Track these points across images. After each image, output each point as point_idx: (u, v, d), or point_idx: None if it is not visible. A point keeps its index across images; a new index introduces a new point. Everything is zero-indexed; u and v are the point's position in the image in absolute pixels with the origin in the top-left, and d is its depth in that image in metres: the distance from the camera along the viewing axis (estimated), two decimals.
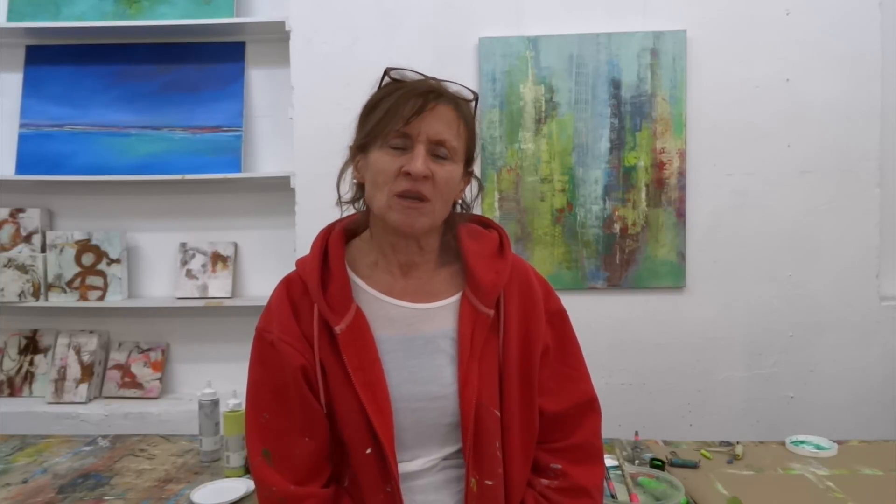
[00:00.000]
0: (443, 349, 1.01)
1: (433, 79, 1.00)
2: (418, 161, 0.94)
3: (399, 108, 0.95)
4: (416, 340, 1.01)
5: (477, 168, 1.10)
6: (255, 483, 1.01)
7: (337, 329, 0.97)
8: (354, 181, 1.06)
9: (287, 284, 1.04)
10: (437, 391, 0.99)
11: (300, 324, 1.00)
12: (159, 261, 2.43)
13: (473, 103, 1.04)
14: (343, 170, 1.06)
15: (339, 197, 1.06)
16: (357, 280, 1.04)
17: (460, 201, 1.09)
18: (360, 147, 1.01)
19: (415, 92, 0.96)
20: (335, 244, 1.04)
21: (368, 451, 0.97)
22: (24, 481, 1.57)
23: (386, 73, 1.01)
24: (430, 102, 0.95)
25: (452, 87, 1.01)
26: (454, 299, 1.04)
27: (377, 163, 0.97)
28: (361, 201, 1.07)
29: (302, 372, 0.99)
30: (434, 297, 1.04)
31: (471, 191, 1.11)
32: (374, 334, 0.99)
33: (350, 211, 1.09)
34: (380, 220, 1.01)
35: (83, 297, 2.33)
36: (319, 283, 1.00)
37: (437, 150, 0.97)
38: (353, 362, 0.97)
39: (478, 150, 1.07)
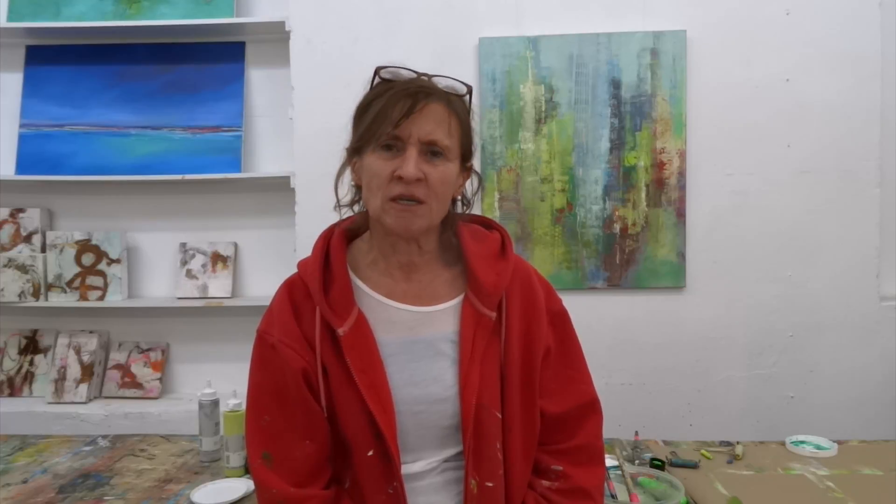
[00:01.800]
0: (444, 352, 1.01)
1: (424, 75, 0.99)
2: (410, 165, 0.93)
3: (388, 111, 0.94)
4: (418, 343, 1.01)
5: (476, 167, 1.10)
6: (256, 485, 1.01)
7: (340, 331, 0.97)
8: (353, 183, 1.05)
9: (289, 287, 1.04)
10: (439, 394, 0.99)
11: (301, 326, 1.00)
12: (159, 261, 2.43)
13: (468, 97, 1.02)
14: (340, 173, 1.05)
15: (338, 201, 1.06)
16: (358, 282, 1.04)
17: (460, 197, 1.09)
18: (355, 149, 1.01)
19: (404, 92, 0.94)
20: (336, 246, 1.03)
21: (370, 452, 0.97)
22: (24, 481, 1.57)
23: (376, 72, 1.00)
24: (419, 103, 0.94)
25: (444, 83, 0.99)
26: (456, 302, 1.04)
27: (371, 166, 0.96)
28: (360, 203, 1.06)
29: (303, 375, 0.98)
30: (435, 300, 1.04)
31: (471, 185, 1.10)
32: (376, 337, 0.99)
33: (349, 213, 1.09)
34: (377, 222, 1.01)
35: (83, 297, 2.33)
36: (321, 285, 0.99)
37: (429, 150, 0.96)
38: (357, 364, 0.96)
39: (476, 143, 1.06)
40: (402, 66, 1.00)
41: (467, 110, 1.02)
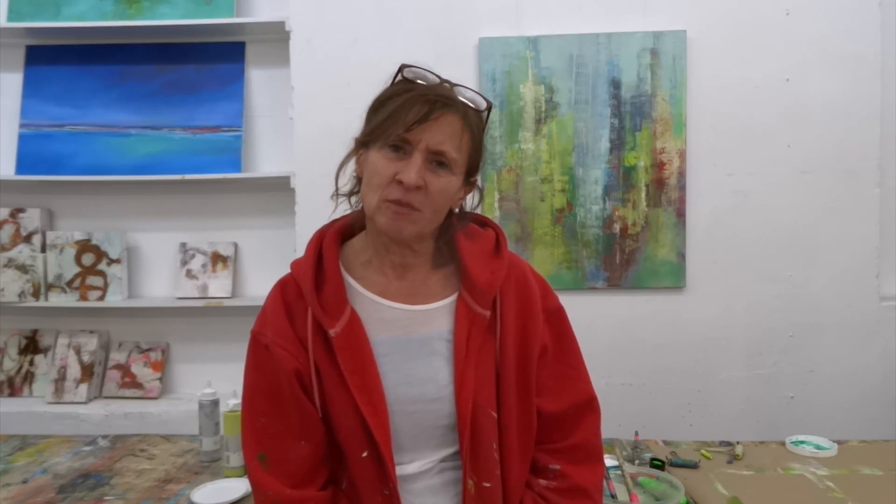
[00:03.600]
0: (438, 351, 1.00)
1: (447, 83, 0.98)
2: (412, 171, 0.92)
3: (403, 113, 0.93)
4: (412, 342, 1.01)
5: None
6: (252, 487, 1.01)
7: (331, 332, 0.96)
8: (354, 174, 1.05)
9: (282, 287, 1.04)
10: (434, 393, 0.99)
11: (295, 327, 1.00)
12: (159, 261, 2.43)
13: (485, 113, 1.01)
14: (344, 161, 1.04)
15: (337, 189, 1.05)
16: (351, 281, 1.03)
17: (457, 210, 1.07)
18: (363, 142, 1.00)
19: (423, 98, 0.93)
20: (329, 246, 1.03)
21: (364, 454, 0.97)
22: (24, 481, 1.57)
23: (401, 69, 0.98)
24: (435, 111, 0.92)
25: (466, 94, 0.98)
26: (450, 300, 1.03)
27: (374, 163, 0.96)
28: (359, 195, 1.05)
29: (296, 375, 0.98)
30: (429, 298, 1.03)
31: (472, 199, 1.09)
32: (370, 337, 0.99)
33: (345, 203, 1.08)
34: (371, 220, 1.00)
35: (83, 297, 2.33)
36: (313, 285, 0.99)
37: (435, 160, 0.95)
38: (349, 365, 0.96)
39: (484, 160, 1.04)
40: (428, 69, 0.98)
41: (482, 126, 1.01)
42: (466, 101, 0.97)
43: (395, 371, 0.99)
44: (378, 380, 0.97)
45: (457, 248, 1.04)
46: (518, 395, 1.03)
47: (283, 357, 0.98)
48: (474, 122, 0.98)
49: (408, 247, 1.02)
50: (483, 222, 1.11)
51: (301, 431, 0.99)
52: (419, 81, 0.97)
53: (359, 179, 1.04)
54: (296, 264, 1.04)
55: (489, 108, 1.01)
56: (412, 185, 0.92)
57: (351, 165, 1.04)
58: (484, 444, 0.99)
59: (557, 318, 1.10)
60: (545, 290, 1.10)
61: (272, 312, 1.02)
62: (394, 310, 1.02)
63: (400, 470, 0.99)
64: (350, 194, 1.06)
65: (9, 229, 2.36)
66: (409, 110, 0.93)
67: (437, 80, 0.98)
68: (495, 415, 1.01)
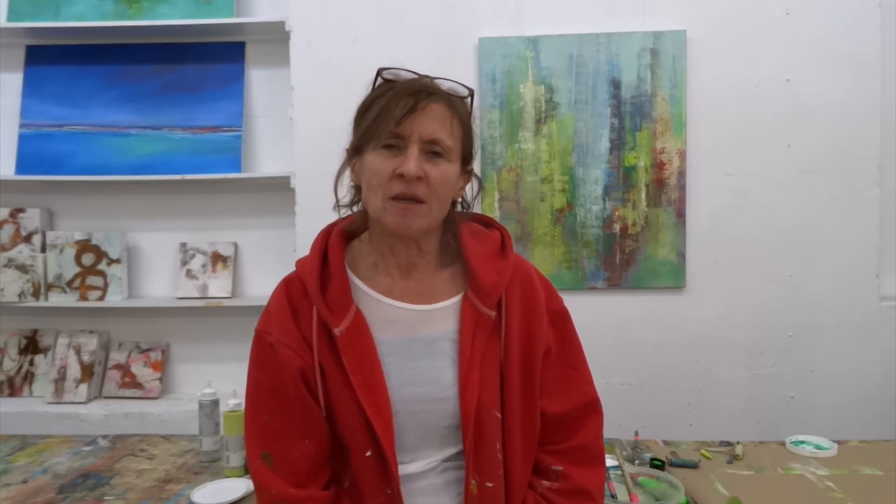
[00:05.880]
0: (443, 351, 1.00)
1: (426, 77, 0.99)
2: (411, 162, 0.93)
3: (391, 109, 0.94)
4: (417, 342, 1.00)
5: (477, 167, 1.10)
6: (255, 486, 1.01)
7: (336, 331, 0.96)
8: (352, 184, 1.05)
9: (286, 285, 1.04)
10: (438, 393, 0.99)
11: (299, 326, 1.00)
12: (159, 261, 2.43)
13: (469, 100, 1.03)
14: (340, 173, 1.05)
15: (337, 201, 1.06)
16: (356, 281, 1.03)
17: (460, 200, 1.08)
18: (356, 149, 1.00)
19: (406, 91, 0.95)
20: (335, 245, 1.03)
21: (368, 453, 0.97)
22: (24, 481, 1.57)
23: (379, 73, 1.00)
24: (421, 101, 0.94)
25: (446, 85, 1.00)
26: (455, 300, 1.03)
27: (371, 165, 0.96)
28: (360, 204, 1.06)
29: (301, 374, 0.98)
30: (435, 298, 1.03)
31: (471, 189, 1.10)
32: (374, 336, 0.99)
33: (348, 214, 1.09)
34: (377, 222, 1.01)
35: (83, 297, 2.32)
36: (319, 284, 0.99)
37: (431, 150, 0.96)
38: (353, 364, 0.96)
39: (477, 147, 1.06)
40: (403, 67, 1.00)
41: (469, 113, 1.03)
42: (448, 91, 0.99)
43: (400, 371, 0.99)
44: (382, 379, 0.97)
45: (462, 248, 1.04)
46: (522, 396, 1.03)
47: (288, 356, 0.98)
48: (460, 108, 1.00)
49: (415, 245, 1.03)
50: (488, 223, 1.12)
51: (305, 430, 0.99)
52: (399, 79, 0.99)
53: (357, 188, 1.04)
54: (301, 263, 1.04)
55: (471, 95, 1.03)
56: (413, 175, 0.93)
57: (347, 177, 1.05)
58: (487, 445, 0.99)
59: (561, 320, 1.10)
60: (550, 291, 1.10)
61: (277, 311, 1.02)
62: (399, 309, 1.02)
63: (403, 469, 0.99)
64: (351, 204, 1.07)
65: (9, 229, 2.36)
66: (395, 105, 0.94)
67: (416, 76, 0.99)
68: (499, 415, 1.01)
